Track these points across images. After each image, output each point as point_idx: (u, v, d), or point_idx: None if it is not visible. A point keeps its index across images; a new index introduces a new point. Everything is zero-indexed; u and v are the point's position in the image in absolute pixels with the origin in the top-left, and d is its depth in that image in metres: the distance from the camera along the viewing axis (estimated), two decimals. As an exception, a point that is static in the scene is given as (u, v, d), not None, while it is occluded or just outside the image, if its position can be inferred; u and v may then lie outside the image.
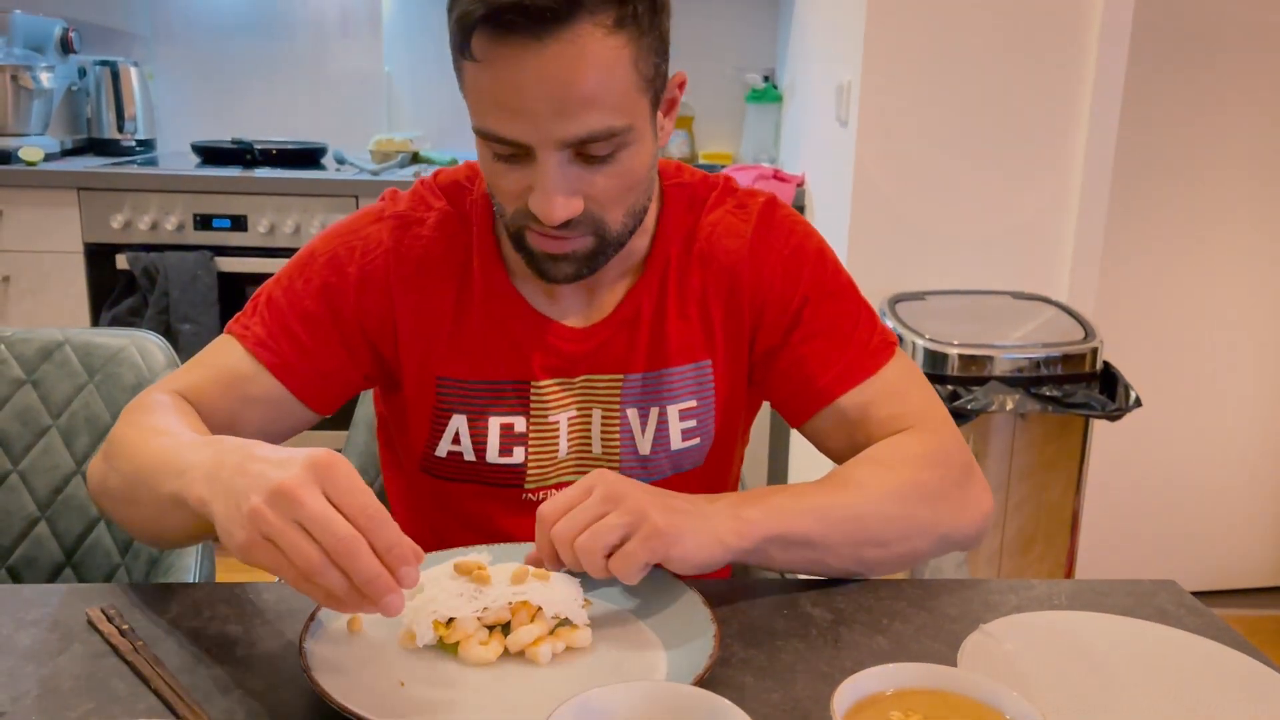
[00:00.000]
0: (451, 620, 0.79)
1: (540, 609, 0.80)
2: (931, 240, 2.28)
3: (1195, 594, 0.99)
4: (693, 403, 1.07)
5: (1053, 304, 2.21)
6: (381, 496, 1.32)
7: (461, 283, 1.04)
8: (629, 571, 0.82)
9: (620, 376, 1.05)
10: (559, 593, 0.82)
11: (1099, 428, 2.19)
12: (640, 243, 1.05)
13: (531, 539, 1.05)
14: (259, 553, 0.70)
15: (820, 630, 0.89)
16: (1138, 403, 2.01)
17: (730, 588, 0.96)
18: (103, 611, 0.87)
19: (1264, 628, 2.58)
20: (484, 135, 0.90)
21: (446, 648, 0.79)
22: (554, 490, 1.06)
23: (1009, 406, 1.96)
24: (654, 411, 1.06)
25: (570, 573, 0.85)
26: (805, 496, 0.93)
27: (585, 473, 1.06)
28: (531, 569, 0.83)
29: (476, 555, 0.86)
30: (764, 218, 1.07)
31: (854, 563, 0.94)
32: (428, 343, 1.04)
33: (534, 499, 1.06)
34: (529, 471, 1.05)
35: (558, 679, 0.78)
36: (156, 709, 0.75)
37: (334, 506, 0.69)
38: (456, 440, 1.04)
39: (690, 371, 1.06)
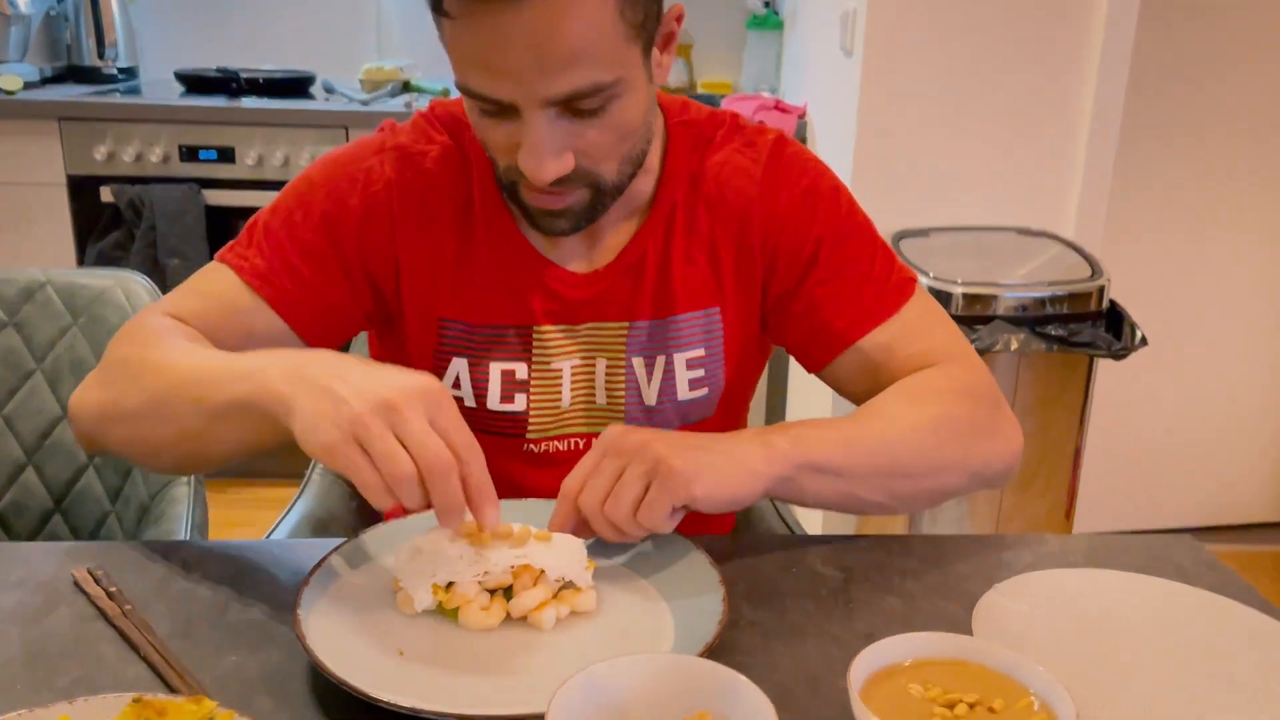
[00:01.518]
0: (451, 584, 0.76)
1: (543, 572, 0.77)
2: (937, 174, 2.23)
3: (1194, 530, 0.97)
4: (700, 351, 1.03)
5: (1059, 240, 2.17)
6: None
7: (463, 221, 1.00)
8: (656, 520, 0.79)
9: (625, 324, 1.01)
10: (562, 555, 0.79)
11: (1103, 365, 2.16)
12: (644, 184, 1.01)
13: (538, 492, 1.02)
14: (345, 453, 0.70)
15: (830, 589, 0.86)
16: (1143, 342, 1.98)
17: (736, 544, 0.94)
18: (90, 572, 0.84)
19: (1260, 564, 2.59)
20: (466, 92, 0.85)
21: (446, 613, 0.77)
22: (557, 443, 1.03)
23: (1014, 346, 1.93)
24: (660, 360, 1.02)
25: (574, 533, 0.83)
26: (832, 427, 0.91)
27: (590, 423, 1.03)
28: (534, 530, 0.80)
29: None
30: (774, 156, 1.03)
31: (884, 495, 0.92)
32: (430, 282, 1.00)
33: (536, 450, 1.03)
34: (531, 420, 1.02)
35: (562, 645, 0.75)
36: (145, 678, 0.73)
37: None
38: (457, 385, 1.01)
39: (698, 319, 1.02)
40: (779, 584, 0.87)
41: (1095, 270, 2.05)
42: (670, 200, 1.01)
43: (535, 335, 1.00)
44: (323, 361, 0.77)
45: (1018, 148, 2.22)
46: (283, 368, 0.77)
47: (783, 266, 1.02)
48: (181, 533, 1.24)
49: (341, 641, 0.73)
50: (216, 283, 0.98)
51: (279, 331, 0.97)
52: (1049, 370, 2.03)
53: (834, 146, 2.35)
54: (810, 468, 0.86)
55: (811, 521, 2.15)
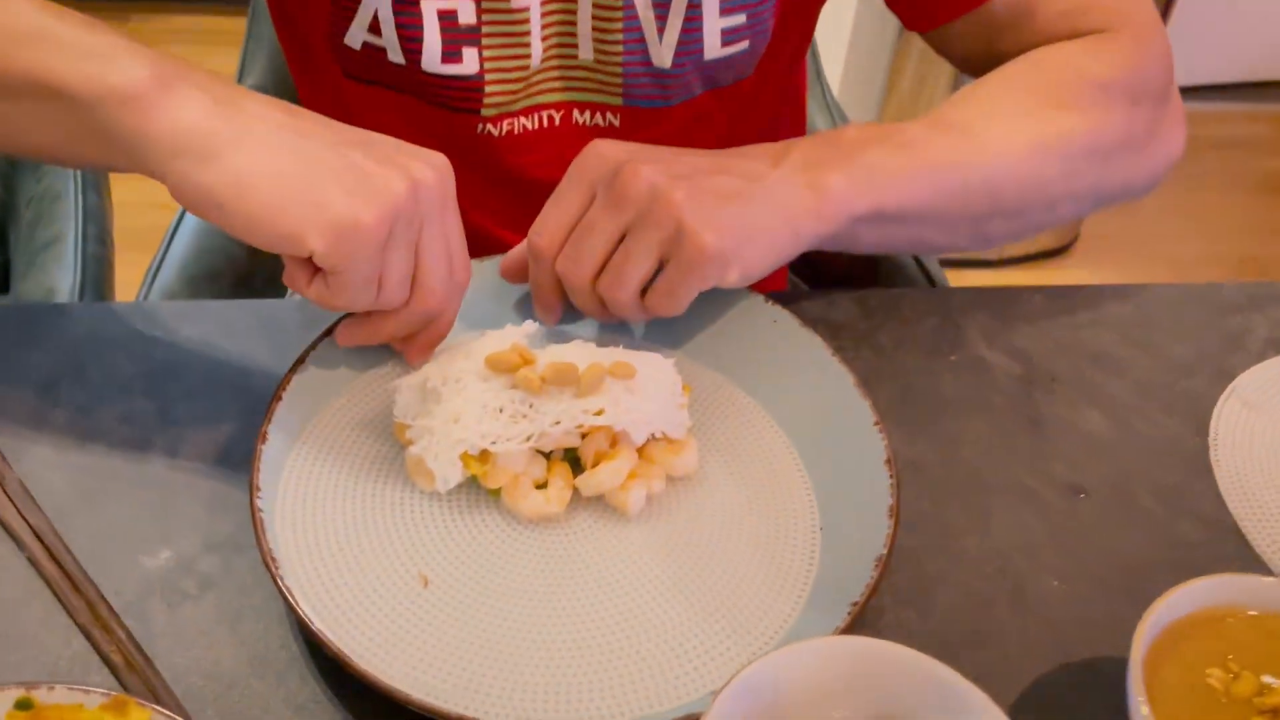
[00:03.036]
0: (487, 452, 0.50)
1: (624, 432, 0.51)
2: None
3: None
4: None
5: None
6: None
7: None
8: (674, 308, 0.57)
9: None
10: (652, 398, 0.52)
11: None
12: None
13: (503, 193, 0.73)
14: (383, 244, 0.49)
15: (1006, 397, 0.62)
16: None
17: (862, 308, 0.67)
18: (-72, 388, 0.56)
19: None
20: None
21: (489, 492, 0.51)
22: (524, 119, 0.71)
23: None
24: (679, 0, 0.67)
25: (660, 351, 0.56)
26: (915, 150, 0.61)
27: (570, 90, 0.71)
28: (607, 364, 0.52)
29: (514, 330, 0.54)
30: None
31: (968, 240, 0.67)
32: None
33: (496, 133, 0.70)
34: (488, 88, 0.68)
35: (659, 545, 0.51)
36: (39, 605, 0.48)
37: None
38: (375, 29, 0.66)
39: None
40: (936, 385, 0.62)
41: None
42: None
43: None
44: (246, 93, 0.50)
45: None
46: (202, 81, 0.49)
47: None
48: (71, 197, 0.93)
49: (335, 573, 0.48)
50: None
51: None
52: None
53: None
54: (875, 218, 0.59)
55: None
